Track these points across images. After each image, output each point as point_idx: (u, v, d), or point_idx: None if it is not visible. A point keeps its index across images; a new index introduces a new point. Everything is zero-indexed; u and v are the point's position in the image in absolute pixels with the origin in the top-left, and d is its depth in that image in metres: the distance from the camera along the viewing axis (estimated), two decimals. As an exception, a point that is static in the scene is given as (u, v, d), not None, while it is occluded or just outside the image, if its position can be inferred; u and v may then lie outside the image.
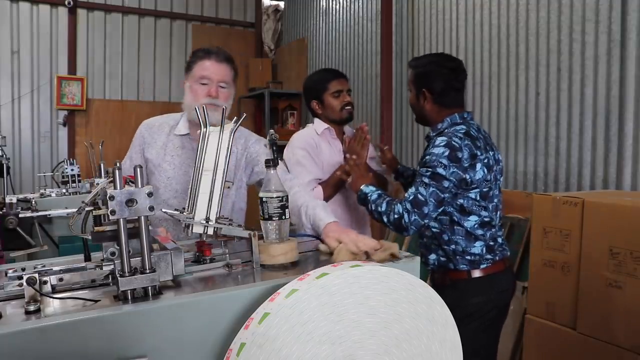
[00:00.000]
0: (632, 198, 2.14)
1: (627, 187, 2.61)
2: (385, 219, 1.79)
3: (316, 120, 2.29)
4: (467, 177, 1.74)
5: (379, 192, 1.87)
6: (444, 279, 1.86)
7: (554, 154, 3.01)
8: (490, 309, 1.85)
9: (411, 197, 1.74)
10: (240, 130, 1.94)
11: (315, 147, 2.20)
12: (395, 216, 1.75)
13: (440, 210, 1.76)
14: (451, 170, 1.72)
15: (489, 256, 1.83)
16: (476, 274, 1.82)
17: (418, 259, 1.21)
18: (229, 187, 1.89)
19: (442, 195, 1.73)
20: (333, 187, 2.15)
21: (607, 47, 2.68)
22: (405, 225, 1.74)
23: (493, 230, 1.85)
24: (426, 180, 1.73)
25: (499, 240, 1.88)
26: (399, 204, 1.76)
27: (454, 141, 1.74)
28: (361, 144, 2.09)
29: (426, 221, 1.75)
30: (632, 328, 1.97)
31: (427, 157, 1.77)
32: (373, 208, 1.84)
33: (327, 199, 2.14)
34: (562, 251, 2.25)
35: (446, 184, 1.72)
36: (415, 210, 1.72)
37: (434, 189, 1.72)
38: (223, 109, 1.39)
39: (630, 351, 1.96)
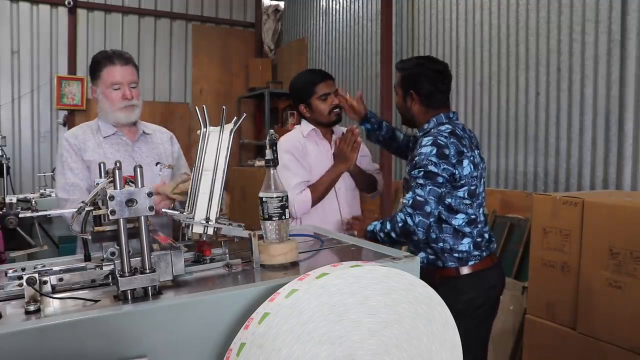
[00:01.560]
0: (632, 198, 2.15)
1: (627, 187, 2.62)
2: (394, 236, 1.79)
3: (303, 121, 2.26)
4: (456, 172, 1.78)
5: (379, 221, 1.89)
6: (433, 277, 1.86)
7: (554, 154, 3.01)
8: (480, 305, 1.87)
9: (410, 201, 1.76)
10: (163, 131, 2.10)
11: (301, 149, 2.17)
12: (400, 224, 1.76)
13: (440, 206, 1.79)
14: (442, 167, 1.75)
15: (476, 253, 1.85)
16: (465, 271, 1.84)
17: (418, 259, 1.22)
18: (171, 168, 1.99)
19: (440, 191, 1.76)
20: (323, 190, 2.14)
21: (607, 47, 2.69)
22: (412, 229, 1.75)
23: (480, 227, 1.88)
24: (421, 180, 1.76)
25: (486, 236, 1.92)
26: (399, 213, 1.78)
27: (440, 140, 1.78)
28: (351, 147, 2.09)
29: (431, 220, 1.76)
30: (632, 328, 1.96)
31: (417, 157, 1.80)
32: (383, 237, 1.84)
33: (316, 201, 2.12)
34: (562, 251, 2.25)
35: (440, 179, 1.76)
36: (418, 211, 1.74)
37: (430, 186, 1.75)
38: (223, 109, 1.40)
39: (630, 351, 1.96)
